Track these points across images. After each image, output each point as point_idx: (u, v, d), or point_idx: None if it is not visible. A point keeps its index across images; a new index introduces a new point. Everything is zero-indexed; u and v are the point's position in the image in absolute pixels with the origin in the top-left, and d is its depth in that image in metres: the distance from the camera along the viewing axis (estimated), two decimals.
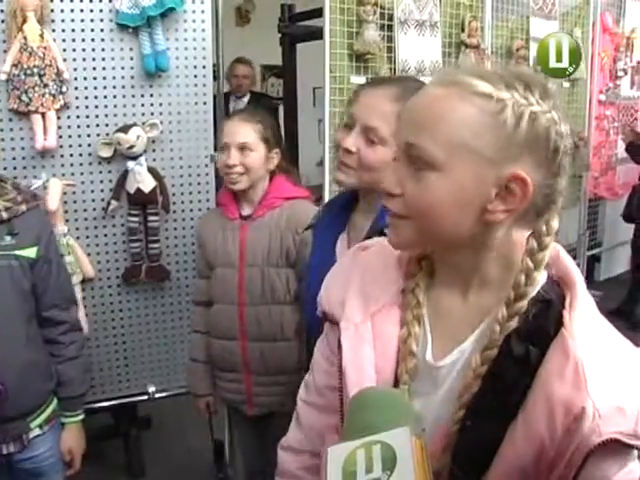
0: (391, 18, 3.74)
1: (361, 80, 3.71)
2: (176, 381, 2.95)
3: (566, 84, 4.82)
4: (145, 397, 2.94)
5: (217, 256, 2.28)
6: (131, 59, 2.61)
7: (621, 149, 5.54)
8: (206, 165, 2.81)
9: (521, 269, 0.94)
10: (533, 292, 0.94)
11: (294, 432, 1.22)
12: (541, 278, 0.96)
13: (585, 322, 0.92)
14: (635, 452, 0.91)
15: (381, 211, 1.52)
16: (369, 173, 1.49)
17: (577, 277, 0.97)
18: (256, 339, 2.21)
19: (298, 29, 4.19)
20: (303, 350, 2.11)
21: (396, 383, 1.00)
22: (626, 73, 5.46)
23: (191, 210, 2.82)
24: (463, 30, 4.13)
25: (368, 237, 1.41)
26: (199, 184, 2.82)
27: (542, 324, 0.93)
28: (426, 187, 0.90)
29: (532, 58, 4.56)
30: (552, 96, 0.92)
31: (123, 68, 2.61)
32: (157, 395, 2.94)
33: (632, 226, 6.03)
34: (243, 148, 2.18)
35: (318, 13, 3.55)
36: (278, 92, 6.94)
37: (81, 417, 2.14)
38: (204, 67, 2.73)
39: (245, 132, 2.19)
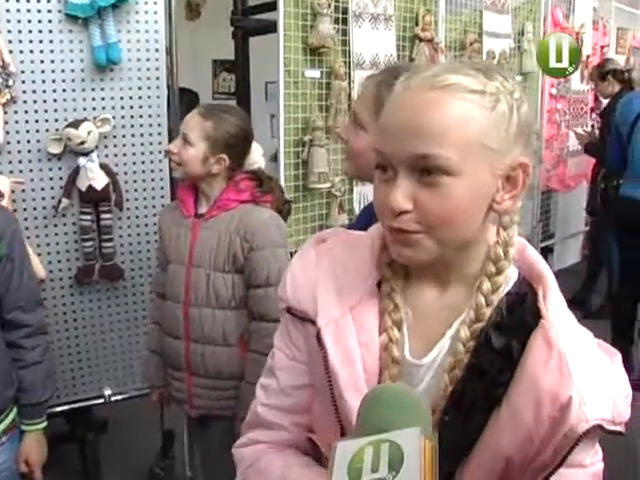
0: (346, 11, 3.71)
1: (315, 74, 3.69)
2: (133, 383, 2.89)
3: (518, 78, 4.86)
4: (101, 400, 2.86)
5: (170, 252, 2.24)
6: (81, 51, 2.52)
7: (572, 142, 5.62)
8: (160, 161, 2.75)
9: (490, 258, 0.96)
10: (506, 288, 0.96)
11: (263, 435, 1.13)
12: (512, 274, 0.98)
13: (560, 312, 0.94)
14: (597, 438, 0.95)
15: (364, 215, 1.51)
16: (357, 161, 1.48)
17: (546, 270, 0.99)
18: (198, 341, 2.17)
19: (251, 22, 4.13)
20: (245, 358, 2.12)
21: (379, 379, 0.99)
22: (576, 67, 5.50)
23: (145, 207, 2.75)
24: (417, 24, 4.13)
25: None
26: (153, 180, 2.75)
27: (519, 317, 0.94)
28: (444, 194, 0.88)
29: (485, 52, 4.59)
30: (506, 76, 0.95)
31: (73, 61, 2.52)
32: (113, 398, 2.87)
33: (583, 218, 6.14)
34: (185, 139, 2.13)
35: (272, 6, 3.51)
36: (230, 87, 6.86)
37: (43, 425, 2.04)
38: (157, 60, 2.66)
39: (192, 125, 2.14)
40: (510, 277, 0.97)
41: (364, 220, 1.47)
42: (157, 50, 2.65)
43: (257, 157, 2.26)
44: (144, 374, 2.52)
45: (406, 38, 4.13)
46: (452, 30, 4.45)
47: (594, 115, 5.94)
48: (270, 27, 3.70)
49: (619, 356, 0.98)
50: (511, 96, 0.91)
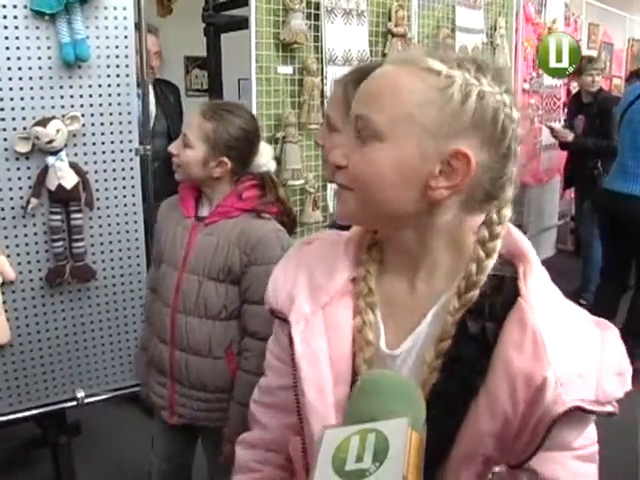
0: (318, 7, 3.70)
1: (288, 70, 3.67)
2: (106, 384, 2.84)
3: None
4: (74, 403, 2.81)
5: (165, 250, 2.15)
6: (48, 48, 2.46)
7: (545, 136, 5.66)
8: (131, 159, 2.70)
9: (472, 258, 0.95)
10: (484, 278, 0.95)
11: (252, 433, 1.21)
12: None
13: (541, 290, 0.93)
14: (592, 417, 0.93)
15: None
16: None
17: (528, 248, 0.99)
18: (183, 349, 2.08)
19: (223, 18, 4.09)
20: (232, 370, 2.05)
21: (354, 374, 0.99)
22: None
23: (116, 206, 2.70)
24: (390, 19, 4.13)
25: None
26: (124, 179, 2.70)
27: (496, 299, 0.93)
28: (370, 157, 0.92)
29: (458, 47, 4.59)
30: (506, 81, 0.94)
31: (40, 58, 2.46)
32: (87, 400, 2.82)
33: (556, 212, 6.19)
34: (184, 140, 2.04)
35: (243, 2, 3.47)
36: (202, 84, 6.81)
37: None
38: (127, 57, 2.61)
39: (192, 125, 2.04)
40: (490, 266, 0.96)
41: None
42: (127, 47, 2.60)
43: (265, 159, 2.14)
44: (134, 370, 2.44)
45: (379, 33, 4.12)
46: (425, 25, 4.45)
47: (566, 109, 5.98)
48: (242, 23, 3.68)
49: (614, 330, 0.96)
50: (475, 86, 0.90)
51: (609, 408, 0.90)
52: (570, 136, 5.26)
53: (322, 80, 3.80)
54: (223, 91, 4.46)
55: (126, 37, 2.60)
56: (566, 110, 5.87)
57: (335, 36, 3.83)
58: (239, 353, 2.06)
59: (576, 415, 0.88)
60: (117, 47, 2.58)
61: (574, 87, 6.13)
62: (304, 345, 1.00)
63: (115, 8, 2.55)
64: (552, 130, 5.35)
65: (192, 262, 2.05)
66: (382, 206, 0.94)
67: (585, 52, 6.05)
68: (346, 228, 1.12)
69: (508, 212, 0.96)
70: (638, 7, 7.79)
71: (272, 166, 2.18)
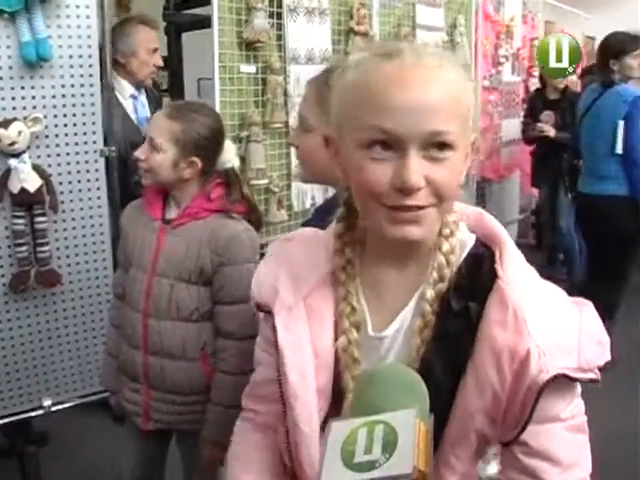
0: (280, 5, 3.68)
1: (251, 69, 3.64)
2: (74, 391, 2.78)
3: None
4: (40, 411, 2.75)
5: (133, 255, 2.11)
6: (8, 47, 2.40)
7: (505, 132, 5.73)
8: (96, 161, 2.65)
9: (439, 248, 1.00)
10: (464, 252, 1.01)
11: (243, 422, 1.26)
12: (469, 239, 1.03)
13: (517, 270, 0.97)
14: (578, 389, 0.98)
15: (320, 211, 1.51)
16: (307, 164, 1.47)
17: (502, 233, 1.02)
18: (157, 354, 2.05)
19: (184, 17, 4.05)
20: (207, 372, 2.04)
21: (336, 361, 1.03)
22: (507, 59, 5.66)
23: (81, 209, 2.65)
24: (352, 17, 4.12)
25: None
26: (89, 181, 2.65)
27: (477, 278, 0.97)
28: (450, 168, 0.92)
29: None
30: None
31: (0, 57, 2.40)
32: (53, 408, 2.76)
33: (517, 206, 6.26)
34: (152, 145, 1.99)
35: (205, 0, 3.43)
36: (162, 84, 6.74)
37: None
38: (90, 56, 2.56)
39: (159, 128, 2.00)
40: (467, 243, 1.02)
41: (317, 220, 1.47)
42: (90, 46, 2.55)
43: (230, 156, 2.11)
44: (102, 377, 2.39)
45: (341, 32, 4.12)
46: (386, 23, 4.46)
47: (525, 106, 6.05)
48: (204, 22, 3.65)
49: (591, 306, 0.99)
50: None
51: (591, 375, 0.94)
52: (552, 131, 5.33)
53: (285, 79, 3.79)
54: (184, 91, 4.42)
55: (89, 36, 2.55)
56: (526, 106, 5.93)
57: (298, 35, 3.82)
58: (213, 354, 2.04)
59: (561, 383, 0.92)
60: (80, 47, 2.53)
61: (533, 83, 6.22)
62: (287, 333, 1.02)
63: (77, 6, 2.50)
64: (535, 127, 5.42)
65: (162, 265, 2.02)
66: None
67: None
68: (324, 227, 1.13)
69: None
70: (593, 5, 7.91)
71: (236, 162, 2.16)
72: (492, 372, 0.91)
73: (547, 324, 0.92)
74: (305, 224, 1.73)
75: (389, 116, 0.89)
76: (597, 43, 7.82)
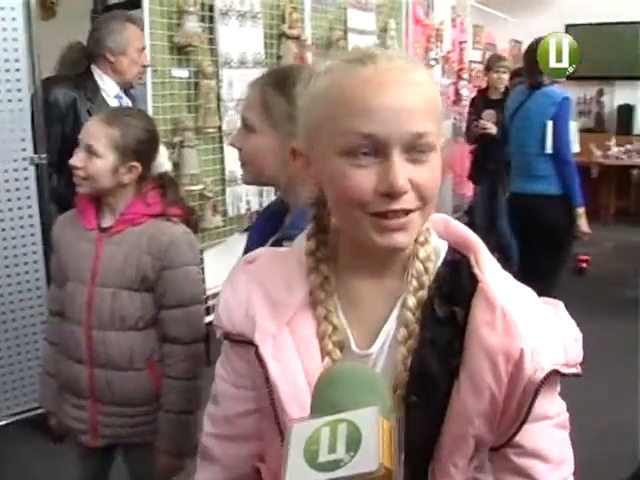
0: (212, 9, 3.66)
1: (183, 73, 3.61)
2: (7, 409, 2.69)
3: None
4: None
5: (69, 268, 2.03)
6: None
7: None
8: (25, 169, 2.58)
9: (415, 257, 0.97)
10: (439, 260, 0.98)
11: (205, 470, 1.10)
12: (442, 246, 0.99)
13: (496, 274, 0.96)
14: (558, 384, 0.98)
15: (294, 221, 1.48)
16: (252, 166, 1.46)
17: (474, 238, 1.00)
18: (103, 366, 1.98)
19: None
20: (156, 380, 1.98)
21: None
22: (438, 62, 5.73)
23: (11, 219, 2.58)
24: (284, 21, 4.13)
25: (274, 244, 1.38)
26: (18, 190, 2.58)
27: (457, 284, 0.95)
28: (432, 169, 0.89)
29: (351, 48, 4.63)
30: None
31: None
32: None
33: (450, 206, 6.35)
34: (90, 151, 1.93)
35: (135, 4, 3.38)
36: None
37: None
38: (17, 61, 2.49)
39: (96, 134, 1.93)
40: (440, 249, 0.99)
41: (272, 223, 1.52)
42: (16, 50, 2.48)
43: (163, 159, 2.08)
44: (41, 397, 2.27)
45: (273, 35, 4.13)
46: (318, 27, 4.49)
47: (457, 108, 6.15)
48: None
49: (561, 305, 1.00)
50: None
51: (575, 370, 0.95)
52: (494, 129, 5.43)
53: (218, 83, 3.76)
54: None
55: (15, 39, 2.48)
56: (470, 106, 5.99)
57: (230, 38, 3.80)
58: (161, 361, 2.00)
59: (552, 381, 0.92)
60: (6, 50, 2.46)
61: (462, 86, 6.32)
62: (277, 363, 0.95)
63: (2, 8, 2.42)
64: (477, 124, 5.50)
65: (102, 275, 1.96)
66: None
67: (471, 52, 6.25)
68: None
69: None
70: (519, 10, 8.10)
71: (168, 166, 2.13)
72: (487, 374, 0.89)
73: (534, 324, 0.92)
74: (252, 228, 1.70)
75: (369, 120, 0.86)
76: (524, 46, 8.07)
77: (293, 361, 0.95)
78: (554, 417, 0.98)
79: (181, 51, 3.56)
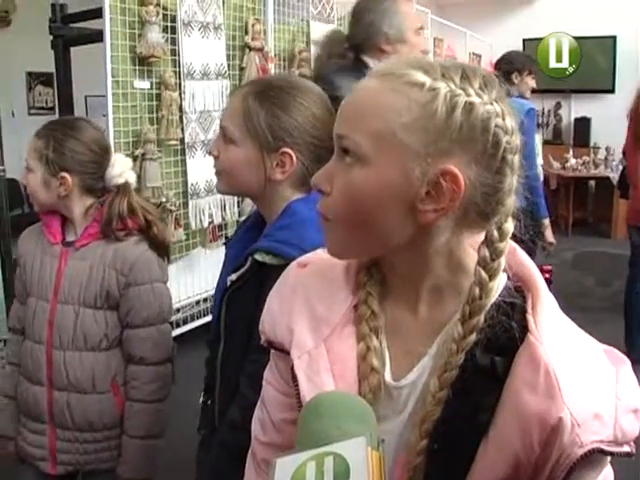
0: (174, 20, 3.62)
1: (145, 85, 3.55)
2: None
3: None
4: None
5: (32, 283, 1.94)
6: None
7: None
8: None
9: (474, 281, 0.86)
10: (492, 300, 0.87)
11: (254, 476, 1.05)
12: (501, 279, 0.88)
13: (551, 325, 0.86)
14: (608, 459, 0.86)
15: (268, 232, 1.44)
16: (228, 176, 1.42)
17: (536, 274, 0.91)
18: (63, 388, 1.88)
19: (73, 31, 3.88)
20: (119, 404, 1.89)
21: None
22: None
23: None
24: (247, 33, 4.12)
25: (247, 256, 1.35)
26: None
27: (506, 331, 0.85)
28: (353, 183, 0.84)
29: (313, 60, 4.63)
30: (495, 87, 0.85)
31: None
32: None
33: None
34: (27, 167, 1.87)
35: (96, 14, 3.32)
36: (47, 102, 6.49)
37: None
38: None
39: (29, 148, 1.86)
40: (497, 288, 0.88)
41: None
42: None
43: (118, 171, 1.92)
44: None
45: (236, 47, 4.11)
46: (281, 39, 4.49)
47: None
48: (95, 36, 3.51)
49: (628, 364, 0.89)
50: (461, 97, 0.81)
51: (626, 448, 0.84)
52: None
53: (180, 94, 3.72)
54: (73, 109, 4.24)
55: None
56: None
57: (193, 50, 3.76)
58: (124, 384, 1.91)
59: (594, 457, 0.81)
60: None
61: None
62: (309, 383, 0.91)
63: None
64: None
65: (65, 291, 1.87)
66: (369, 235, 0.87)
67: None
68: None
69: (510, 227, 0.87)
70: (478, 25, 8.20)
71: (131, 177, 1.97)
72: (516, 438, 0.81)
73: (582, 389, 0.82)
74: (230, 242, 1.66)
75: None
76: (483, 59, 8.18)
77: (325, 381, 0.90)
78: None
79: (143, 62, 3.51)
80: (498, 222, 0.87)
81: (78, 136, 1.86)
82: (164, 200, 3.68)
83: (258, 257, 1.32)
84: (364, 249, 0.91)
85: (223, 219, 4.14)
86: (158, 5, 3.47)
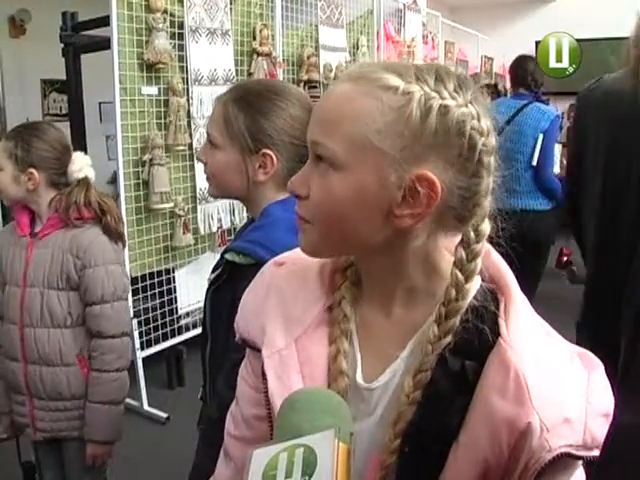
0: (182, 26, 3.65)
1: (153, 91, 3.59)
2: None
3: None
4: None
5: (7, 273, 2.18)
6: None
7: None
8: None
9: (451, 282, 0.86)
10: (467, 301, 0.87)
11: (223, 468, 1.08)
12: (475, 282, 0.88)
13: (523, 329, 0.85)
14: (580, 463, 0.85)
15: (244, 233, 1.49)
16: (216, 180, 1.49)
17: (510, 279, 0.90)
18: (35, 362, 2.12)
19: (83, 39, 3.93)
20: (85, 375, 2.11)
21: None
22: None
23: None
24: (255, 38, 4.13)
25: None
26: None
27: (477, 335, 0.85)
28: (329, 187, 0.84)
29: (322, 65, 4.65)
30: (470, 88, 0.83)
31: None
32: None
33: None
34: None
35: (104, 21, 3.36)
36: (61, 108, 6.55)
37: None
38: None
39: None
40: (471, 290, 0.88)
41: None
42: None
43: (78, 166, 2.16)
44: None
45: (244, 52, 4.13)
46: (289, 44, 4.50)
47: None
48: (103, 43, 3.55)
49: (601, 368, 0.88)
50: (435, 100, 0.80)
51: (596, 452, 0.83)
52: None
53: (188, 100, 3.75)
54: (85, 115, 4.30)
55: None
56: None
57: (200, 56, 3.79)
58: (90, 357, 2.13)
59: (563, 462, 0.81)
60: None
61: None
62: (278, 382, 0.92)
63: None
64: None
65: (31, 276, 2.10)
66: (345, 238, 0.87)
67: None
68: None
69: (486, 228, 0.86)
70: (489, 27, 8.20)
71: (89, 172, 2.20)
72: (485, 442, 0.81)
73: (552, 393, 0.81)
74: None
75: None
76: (495, 63, 8.17)
77: (294, 381, 0.91)
78: None
79: (151, 68, 3.54)
80: (475, 224, 0.86)
81: (42, 136, 2.13)
82: (172, 205, 3.71)
83: (228, 257, 1.38)
84: (339, 250, 0.92)
85: (232, 224, 4.16)
86: (165, 12, 3.51)
